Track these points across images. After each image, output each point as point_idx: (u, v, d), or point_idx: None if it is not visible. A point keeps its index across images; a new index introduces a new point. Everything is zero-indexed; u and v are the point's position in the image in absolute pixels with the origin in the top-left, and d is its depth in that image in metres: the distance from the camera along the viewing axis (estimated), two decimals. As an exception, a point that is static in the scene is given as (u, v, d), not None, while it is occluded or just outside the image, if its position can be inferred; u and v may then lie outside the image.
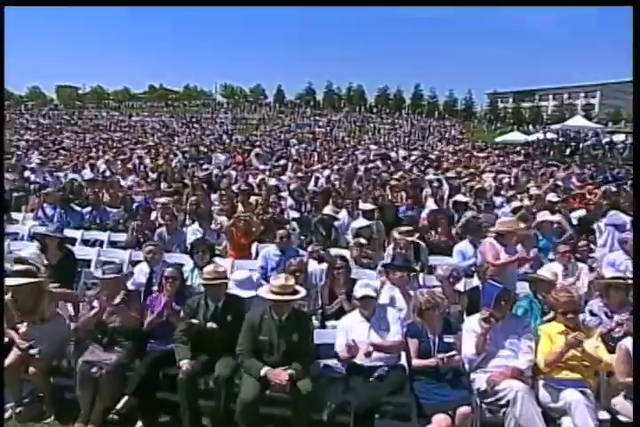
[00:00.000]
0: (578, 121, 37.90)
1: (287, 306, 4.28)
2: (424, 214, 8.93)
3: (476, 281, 5.60)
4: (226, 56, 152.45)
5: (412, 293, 4.88)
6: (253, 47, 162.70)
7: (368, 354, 4.25)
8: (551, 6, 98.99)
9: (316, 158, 21.75)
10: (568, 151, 30.41)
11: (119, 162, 15.30)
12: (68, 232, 7.73)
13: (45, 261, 5.71)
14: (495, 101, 78.01)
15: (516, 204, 9.19)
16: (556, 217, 7.94)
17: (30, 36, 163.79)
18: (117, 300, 4.59)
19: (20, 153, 18.28)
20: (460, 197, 9.17)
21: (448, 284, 5.08)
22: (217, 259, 6.28)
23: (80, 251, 6.92)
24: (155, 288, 5.11)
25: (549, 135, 34.66)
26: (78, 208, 8.80)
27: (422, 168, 15.83)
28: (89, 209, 8.72)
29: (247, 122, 51.66)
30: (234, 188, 11.80)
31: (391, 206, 8.56)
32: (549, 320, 4.57)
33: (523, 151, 31.96)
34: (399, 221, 8.30)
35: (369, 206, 8.17)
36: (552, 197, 9.64)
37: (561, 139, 32.87)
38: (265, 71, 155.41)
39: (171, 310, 4.70)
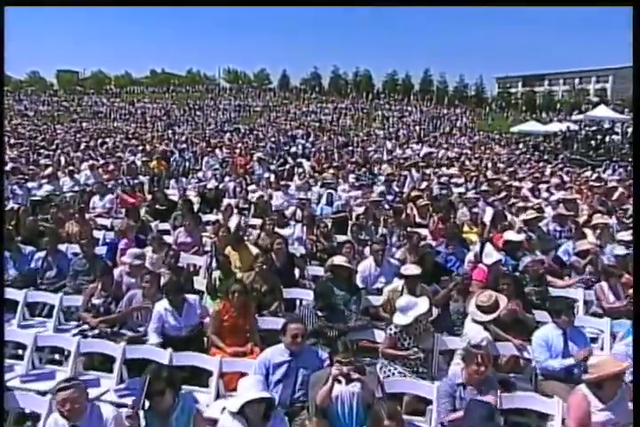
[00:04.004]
0: (601, 111, 35.41)
1: None
2: (470, 257, 7.06)
3: (591, 397, 3.71)
4: (230, 40, 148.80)
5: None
6: (258, 31, 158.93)
7: None
8: (551, 6, 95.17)
9: (324, 156, 20.32)
10: (593, 144, 28.30)
11: (102, 169, 13.48)
12: (7, 293, 5.88)
13: None
14: (505, 86, 74.67)
15: (582, 245, 7.21)
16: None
17: (31, 19, 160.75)
18: None
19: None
20: (512, 236, 7.14)
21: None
22: (198, 356, 4.48)
23: (11, 334, 5.05)
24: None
25: (571, 126, 32.36)
26: (30, 248, 6.76)
27: (447, 177, 14.00)
28: (42, 254, 6.62)
29: (251, 109, 49.60)
30: (232, 202, 10.06)
31: (429, 254, 6.62)
32: None
33: (545, 146, 29.93)
34: (440, 271, 6.47)
35: (412, 270, 5.62)
36: (625, 235, 7.69)
37: (584, 131, 30.60)
38: (269, 55, 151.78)
39: None
